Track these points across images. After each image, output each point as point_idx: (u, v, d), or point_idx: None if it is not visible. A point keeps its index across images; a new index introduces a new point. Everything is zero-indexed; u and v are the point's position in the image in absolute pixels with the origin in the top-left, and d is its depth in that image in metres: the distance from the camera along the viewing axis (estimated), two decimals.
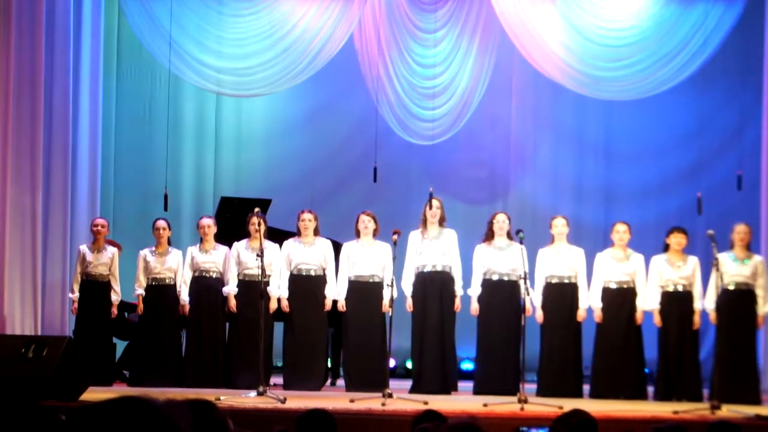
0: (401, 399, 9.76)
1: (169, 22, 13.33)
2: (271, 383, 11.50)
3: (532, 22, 13.59)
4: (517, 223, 11.48)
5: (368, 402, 9.34)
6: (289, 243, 11.79)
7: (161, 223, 12.09)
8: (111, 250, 12.11)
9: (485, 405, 9.30)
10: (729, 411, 9.25)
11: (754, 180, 13.61)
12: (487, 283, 11.60)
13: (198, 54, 13.60)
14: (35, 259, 12.66)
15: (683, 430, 4.07)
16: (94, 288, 11.96)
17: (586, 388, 11.54)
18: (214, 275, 11.91)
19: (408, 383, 11.70)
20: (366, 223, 11.65)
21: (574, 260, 11.63)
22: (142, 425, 2.27)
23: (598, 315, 11.51)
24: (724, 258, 11.08)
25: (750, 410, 9.32)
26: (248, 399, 9.54)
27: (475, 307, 11.56)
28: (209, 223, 12.01)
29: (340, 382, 12.18)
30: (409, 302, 11.55)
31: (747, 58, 14.44)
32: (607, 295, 11.53)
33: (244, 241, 11.84)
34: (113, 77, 14.83)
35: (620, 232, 11.62)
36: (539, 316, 11.51)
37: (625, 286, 11.54)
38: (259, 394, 9.65)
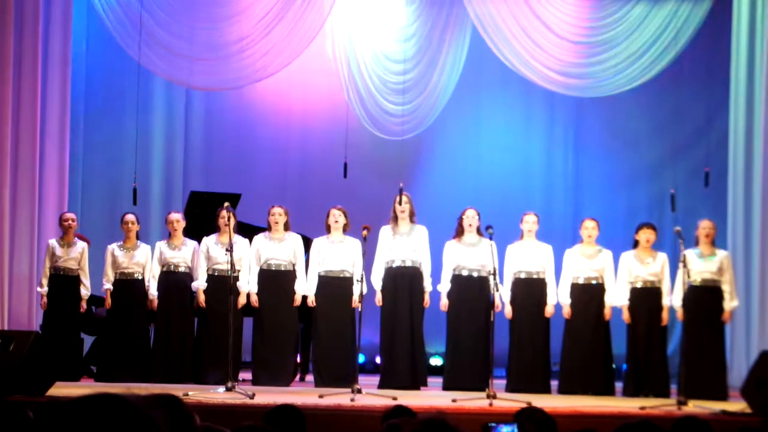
0: (370, 394, 9.77)
1: (139, 13, 13.25)
2: (240, 378, 11.51)
3: (503, 19, 13.61)
4: (486, 218, 11.48)
5: (337, 397, 9.34)
6: (259, 238, 11.77)
7: (130, 218, 12.05)
8: (81, 245, 12.05)
9: (454, 400, 9.33)
10: (695, 407, 9.30)
11: (720, 175, 13.68)
12: (456, 279, 11.61)
13: (169, 46, 13.54)
14: (2, 253, 12.58)
15: (650, 426, 4.08)
16: (64, 282, 11.90)
17: (554, 383, 11.58)
18: (183, 270, 11.89)
19: (377, 378, 11.71)
20: (337, 218, 11.64)
21: (543, 256, 11.67)
22: (118, 423, 2.25)
23: (566, 311, 11.55)
24: (690, 254, 11.12)
25: (717, 406, 9.38)
26: (217, 394, 9.51)
27: (444, 302, 11.57)
28: (178, 218, 11.98)
29: (310, 377, 12.18)
30: (379, 297, 11.56)
31: (715, 54, 14.50)
32: (576, 291, 11.57)
33: (213, 236, 11.81)
34: (82, 71, 14.74)
35: (589, 228, 11.66)
36: (508, 311, 11.54)
37: (593, 282, 11.58)
38: (228, 389, 9.64)
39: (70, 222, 12.05)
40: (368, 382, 11.23)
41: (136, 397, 2.36)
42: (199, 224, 12.23)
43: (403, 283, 11.58)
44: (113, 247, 12.01)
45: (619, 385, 11.57)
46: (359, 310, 10.55)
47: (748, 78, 13.25)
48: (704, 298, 11.24)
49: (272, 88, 15.23)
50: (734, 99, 13.41)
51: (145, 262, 11.95)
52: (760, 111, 13.05)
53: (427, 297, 11.58)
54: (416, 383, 11.44)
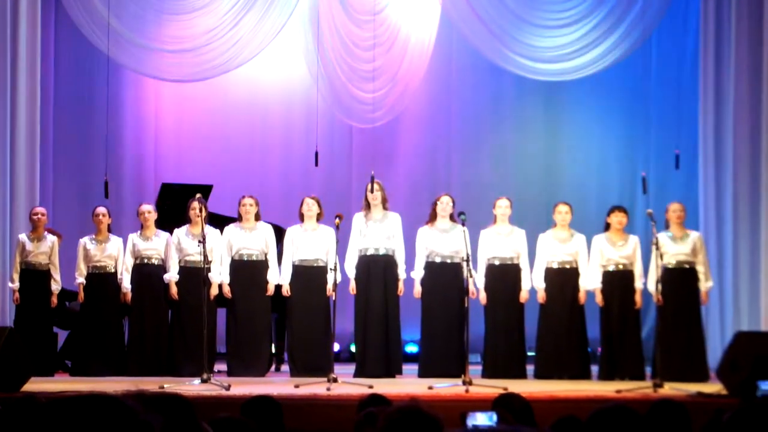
0: (346, 383, 9.75)
1: (106, 6, 13.14)
2: (215, 370, 11.49)
3: (472, 5, 13.58)
4: (459, 204, 11.48)
5: (313, 387, 9.33)
6: (230, 228, 11.75)
7: (101, 210, 12.00)
8: (51, 239, 11.98)
9: (430, 388, 9.33)
10: (671, 389, 9.33)
11: (691, 157, 13.70)
12: (430, 266, 11.59)
13: (137, 39, 13.45)
14: None
15: (626, 410, 4.08)
16: (34, 277, 11.84)
17: (530, 368, 11.58)
18: (156, 262, 11.85)
19: (353, 367, 11.69)
20: (310, 207, 11.62)
21: (516, 241, 11.67)
22: (111, 425, 2.22)
23: (541, 296, 11.56)
24: (663, 237, 11.15)
25: (693, 388, 9.39)
26: (192, 386, 9.48)
27: (418, 289, 11.55)
28: (149, 209, 11.96)
29: (285, 367, 12.16)
30: (352, 285, 11.54)
31: (684, 35, 14.53)
32: (550, 275, 11.59)
33: (184, 228, 11.78)
34: (51, 64, 14.65)
35: (562, 212, 11.68)
36: (483, 297, 11.53)
37: (567, 266, 11.60)
38: (204, 381, 9.62)
39: (39, 216, 11.98)
40: (344, 371, 11.21)
41: (134, 398, 2.34)
42: (171, 216, 12.18)
43: (377, 270, 11.56)
44: (85, 241, 11.96)
45: (594, 369, 11.60)
46: (333, 298, 10.54)
47: (716, 58, 13.27)
48: (679, 280, 11.29)
49: (242, 78, 15.15)
50: (703, 80, 13.42)
51: (117, 254, 11.91)
52: (730, 92, 13.08)
53: (401, 284, 11.56)
54: (391, 371, 11.43)
